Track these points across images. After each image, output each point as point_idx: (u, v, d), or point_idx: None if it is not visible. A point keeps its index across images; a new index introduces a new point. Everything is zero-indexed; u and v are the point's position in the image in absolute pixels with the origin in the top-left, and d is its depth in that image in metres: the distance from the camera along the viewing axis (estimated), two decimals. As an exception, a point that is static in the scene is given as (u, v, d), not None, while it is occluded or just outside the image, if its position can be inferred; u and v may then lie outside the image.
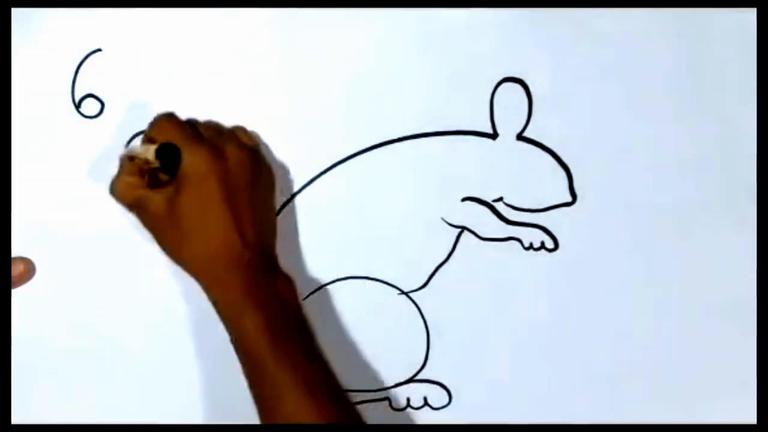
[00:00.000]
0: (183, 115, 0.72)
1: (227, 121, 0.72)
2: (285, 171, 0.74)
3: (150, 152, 0.68)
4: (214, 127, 0.71)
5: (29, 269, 0.73)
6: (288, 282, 0.70)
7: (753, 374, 0.71)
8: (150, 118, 0.70)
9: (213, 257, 0.67)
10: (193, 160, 0.67)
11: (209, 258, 0.67)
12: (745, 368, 0.75)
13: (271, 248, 0.71)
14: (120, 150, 0.72)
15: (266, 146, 0.73)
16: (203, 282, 0.68)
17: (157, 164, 0.68)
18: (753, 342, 0.72)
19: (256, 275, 0.68)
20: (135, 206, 0.69)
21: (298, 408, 0.65)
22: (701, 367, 0.77)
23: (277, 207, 0.74)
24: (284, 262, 0.74)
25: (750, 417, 0.71)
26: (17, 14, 0.70)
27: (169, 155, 0.67)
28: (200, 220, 0.67)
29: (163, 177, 0.69)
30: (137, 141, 0.72)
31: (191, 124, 0.70)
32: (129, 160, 0.69)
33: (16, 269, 0.72)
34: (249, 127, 0.73)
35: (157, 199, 0.68)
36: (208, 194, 0.67)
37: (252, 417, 0.74)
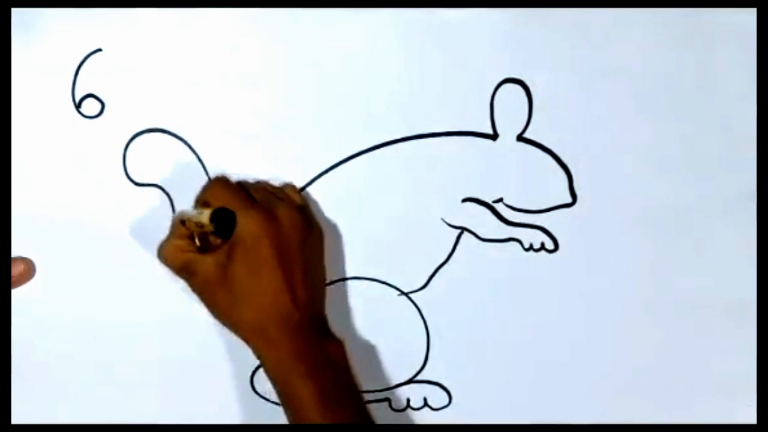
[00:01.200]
0: (183, 114, 0.72)
1: (227, 122, 0.73)
2: (285, 172, 0.74)
3: (205, 216, 0.68)
4: (264, 189, 0.72)
5: (29, 269, 0.73)
6: (338, 343, 0.70)
7: (753, 374, 0.71)
8: (150, 118, 0.71)
9: (264, 320, 0.68)
10: (247, 224, 0.67)
11: (260, 321, 0.68)
12: (745, 368, 0.75)
13: (321, 309, 0.72)
14: (120, 151, 0.72)
15: (311, 203, 0.74)
16: (253, 344, 0.69)
17: (211, 228, 0.68)
18: (753, 342, 0.72)
19: (307, 337, 0.68)
20: (184, 270, 0.69)
21: None
22: (701, 367, 0.77)
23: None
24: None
25: (750, 417, 0.71)
26: (17, 14, 0.70)
27: (223, 219, 0.68)
28: (252, 283, 0.67)
29: (214, 240, 0.70)
30: (187, 206, 0.72)
31: (243, 187, 0.71)
32: (180, 224, 0.70)
33: (17, 269, 0.72)
34: (249, 128, 0.73)
35: (208, 262, 0.68)
36: (261, 258, 0.67)
37: (252, 417, 0.74)
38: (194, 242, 0.70)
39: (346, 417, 0.67)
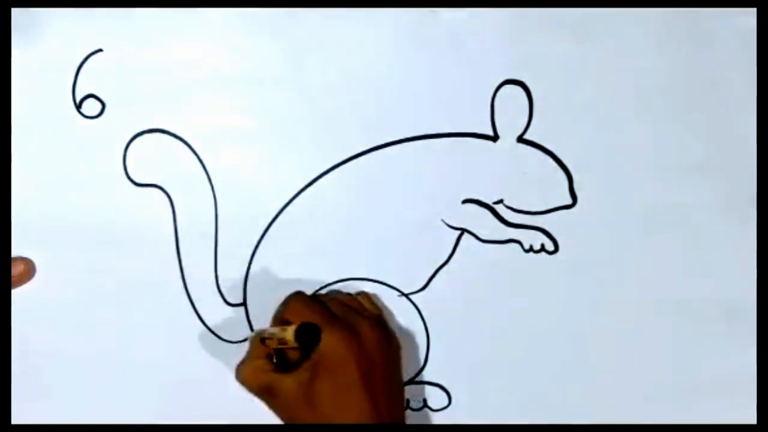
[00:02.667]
0: (183, 114, 0.72)
1: (227, 122, 0.73)
2: (285, 172, 0.74)
3: (290, 333, 0.67)
4: (343, 303, 0.72)
5: (29, 269, 0.73)
6: None
7: (753, 374, 0.71)
8: (150, 118, 0.71)
9: None
10: (331, 342, 0.67)
11: None
12: (745, 368, 0.75)
13: (402, 420, 0.72)
14: (120, 151, 0.72)
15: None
16: None
17: (295, 345, 0.67)
18: (753, 342, 0.72)
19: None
20: (266, 392, 0.69)
21: None
22: (701, 367, 0.77)
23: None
24: (285, 263, 0.74)
25: (750, 417, 0.71)
26: (17, 14, 0.70)
27: (305, 336, 0.67)
28: (337, 403, 0.67)
29: (292, 355, 0.70)
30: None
31: (321, 302, 0.71)
32: (260, 342, 0.70)
33: (17, 269, 0.72)
34: (249, 128, 0.73)
35: (290, 383, 0.68)
36: (345, 378, 0.67)
37: (252, 417, 0.74)
38: (272, 360, 0.70)
39: None
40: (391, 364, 0.71)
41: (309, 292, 0.75)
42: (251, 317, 0.76)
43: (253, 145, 0.73)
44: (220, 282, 0.75)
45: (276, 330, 0.69)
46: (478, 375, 0.78)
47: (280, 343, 0.69)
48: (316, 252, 0.75)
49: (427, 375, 0.78)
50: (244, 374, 0.70)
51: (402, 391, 0.74)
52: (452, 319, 0.77)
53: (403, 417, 0.72)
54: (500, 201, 0.75)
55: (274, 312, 0.72)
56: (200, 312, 0.75)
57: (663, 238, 0.75)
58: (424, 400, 0.78)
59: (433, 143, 0.74)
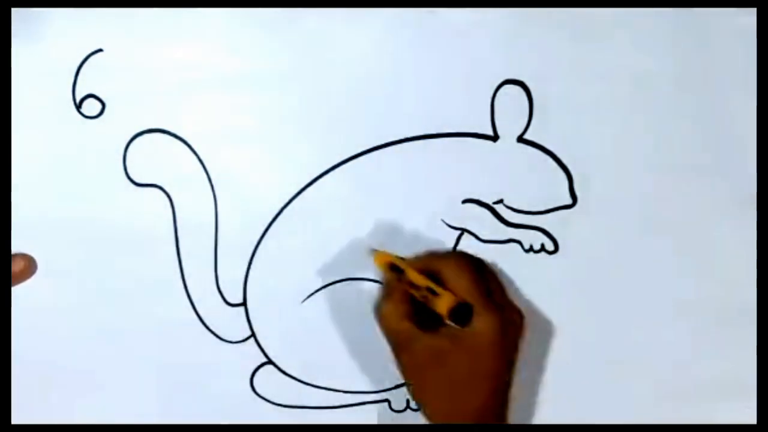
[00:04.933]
0: (183, 114, 0.72)
1: (227, 122, 0.73)
2: (285, 172, 0.74)
3: (443, 305, 0.67)
4: (495, 277, 0.72)
5: (30, 266, 0.73)
6: None
7: (753, 374, 0.70)
8: (150, 118, 0.71)
9: (459, 416, 0.68)
10: (484, 324, 0.66)
11: (453, 414, 0.68)
12: (745, 368, 0.75)
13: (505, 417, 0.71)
14: (120, 151, 0.72)
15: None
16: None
17: (443, 316, 0.67)
18: (753, 342, 0.72)
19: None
20: (402, 340, 0.68)
21: None
22: (701, 368, 0.77)
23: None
24: (285, 263, 0.74)
25: (750, 417, 0.71)
26: (17, 14, 0.70)
27: (458, 315, 0.67)
28: (467, 383, 0.67)
29: (433, 301, 0.68)
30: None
31: (482, 274, 0.70)
32: (409, 286, 0.69)
33: (17, 266, 0.72)
34: (249, 128, 0.73)
35: (427, 343, 0.67)
36: (485, 362, 0.67)
37: (252, 417, 0.74)
38: (412, 307, 0.69)
39: None
40: (517, 357, 0.70)
41: (308, 291, 0.75)
42: (251, 317, 0.76)
43: (253, 145, 0.73)
44: (220, 282, 0.75)
45: (424, 284, 0.68)
46: (478, 375, 0.78)
47: (422, 299, 0.67)
48: (316, 252, 0.75)
49: (427, 375, 0.78)
50: (386, 313, 0.69)
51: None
52: (452, 318, 0.77)
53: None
54: (500, 201, 0.75)
55: (425, 254, 0.72)
56: (200, 312, 0.75)
57: (663, 238, 0.75)
58: (425, 400, 0.78)
59: (432, 143, 0.74)
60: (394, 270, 0.70)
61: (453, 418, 0.68)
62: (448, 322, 0.68)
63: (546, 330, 0.76)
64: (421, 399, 0.70)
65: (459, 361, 0.67)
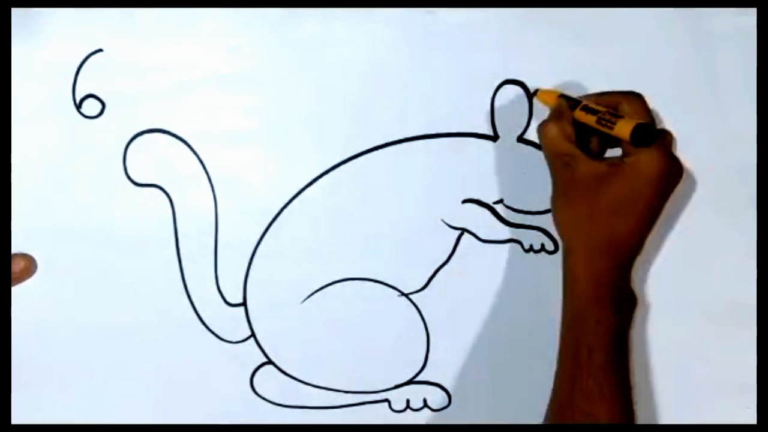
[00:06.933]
0: (183, 114, 0.72)
1: (227, 122, 0.73)
2: (285, 172, 0.74)
3: (625, 126, 0.65)
4: (668, 132, 0.70)
5: (30, 266, 0.73)
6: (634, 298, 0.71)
7: (753, 374, 0.71)
8: (150, 118, 0.72)
9: (603, 252, 0.68)
10: (656, 159, 0.65)
11: (599, 249, 0.68)
12: (745, 368, 0.75)
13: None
14: (120, 151, 0.72)
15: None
16: (570, 254, 0.69)
17: (622, 137, 0.66)
18: (753, 342, 0.72)
19: (624, 284, 0.69)
20: (561, 158, 0.68)
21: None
22: (701, 367, 0.77)
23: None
24: (285, 263, 0.74)
25: (750, 417, 0.71)
26: (17, 14, 0.70)
27: (639, 137, 0.65)
28: (618, 214, 0.66)
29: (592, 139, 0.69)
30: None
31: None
32: (582, 111, 0.68)
33: (17, 265, 0.72)
34: (249, 128, 0.73)
35: (591, 168, 0.67)
36: (644, 198, 0.66)
37: (252, 417, 0.74)
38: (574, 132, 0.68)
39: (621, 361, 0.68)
40: (660, 212, 0.69)
41: (308, 291, 0.75)
42: (251, 317, 0.76)
43: (253, 145, 0.73)
44: (220, 282, 0.75)
45: (604, 110, 0.67)
46: (478, 375, 0.78)
47: (599, 123, 0.67)
48: (316, 252, 0.75)
49: (427, 375, 0.78)
50: (552, 132, 0.68)
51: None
52: (452, 318, 0.77)
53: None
54: (500, 201, 0.75)
55: (599, 94, 0.70)
56: (200, 312, 0.75)
57: (663, 238, 0.75)
58: (424, 400, 0.78)
59: (433, 143, 0.74)
60: (568, 99, 0.69)
61: (592, 249, 0.68)
62: (625, 146, 0.68)
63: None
64: (567, 225, 0.69)
65: (617, 189, 0.66)
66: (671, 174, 0.66)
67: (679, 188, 0.69)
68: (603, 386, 0.67)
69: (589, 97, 0.70)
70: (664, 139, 0.69)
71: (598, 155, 0.71)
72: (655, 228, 0.70)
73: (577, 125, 0.68)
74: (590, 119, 0.67)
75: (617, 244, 0.67)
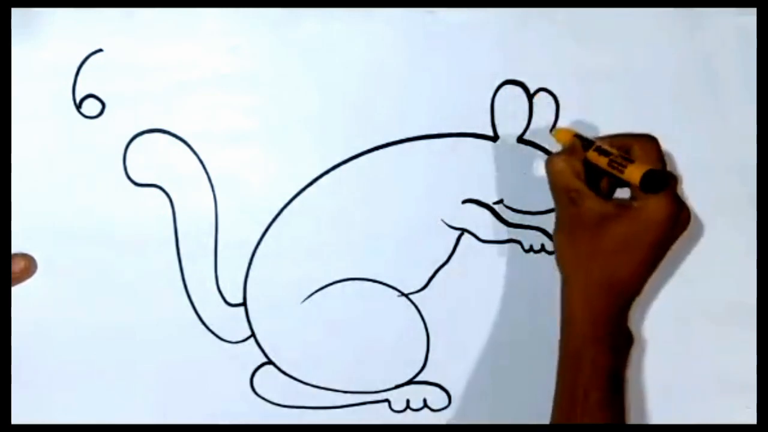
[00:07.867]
0: (183, 114, 0.72)
1: (227, 122, 0.73)
2: (285, 172, 0.74)
3: (635, 171, 0.65)
4: (675, 176, 0.71)
5: (30, 266, 0.73)
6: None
7: (753, 374, 0.71)
8: (150, 118, 0.72)
9: (602, 291, 0.68)
10: (665, 206, 0.65)
11: (599, 288, 0.68)
12: (745, 368, 0.75)
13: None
14: (120, 151, 0.72)
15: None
16: (571, 296, 0.69)
17: (631, 182, 0.66)
18: (753, 342, 0.72)
19: (621, 324, 0.69)
20: (572, 195, 0.67)
21: None
22: (702, 367, 0.77)
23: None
24: (285, 263, 0.74)
25: (750, 417, 0.71)
26: (17, 14, 0.70)
27: (649, 183, 0.65)
28: (621, 255, 0.66)
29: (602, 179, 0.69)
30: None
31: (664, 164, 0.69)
32: (595, 152, 0.68)
33: (17, 265, 0.72)
34: (249, 128, 0.73)
35: (596, 206, 0.67)
36: (647, 244, 0.66)
37: (252, 417, 0.74)
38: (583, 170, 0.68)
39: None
40: (663, 257, 0.69)
41: (308, 291, 0.75)
42: (251, 317, 0.76)
43: (253, 145, 0.73)
44: (220, 282, 0.75)
45: (617, 153, 0.67)
46: (478, 375, 0.78)
47: (610, 165, 0.67)
48: (316, 252, 0.75)
49: (427, 375, 0.78)
50: (559, 167, 0.67)
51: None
52: (452, 318, 0.77)
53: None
54: (500, 201, 0.75)
55: (613, 136, 0.70)
56: (200, 312, 0.75)
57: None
58: (424, 400, 0.78)
59: (433, 143, 0.74)
60: (582, 140, 0.69)
61: (592, 288, 0.68)
62: (634, 189, 0.67)
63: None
64: (569, 261, 0.69)
65: (622, 230, 0.66)
66: (678, 222, 0.66)
67: (679, 187, 0.69)
68: (598, 423, 0.68)
69: (603, 139, 0.70)
70: (674, 185, 0.68)
71: (606, 197, 0.71)
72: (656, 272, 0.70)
73: (589, 166, 0.68)
74: (602, 161, 0.67)
75: (617, 285, 0.68)
